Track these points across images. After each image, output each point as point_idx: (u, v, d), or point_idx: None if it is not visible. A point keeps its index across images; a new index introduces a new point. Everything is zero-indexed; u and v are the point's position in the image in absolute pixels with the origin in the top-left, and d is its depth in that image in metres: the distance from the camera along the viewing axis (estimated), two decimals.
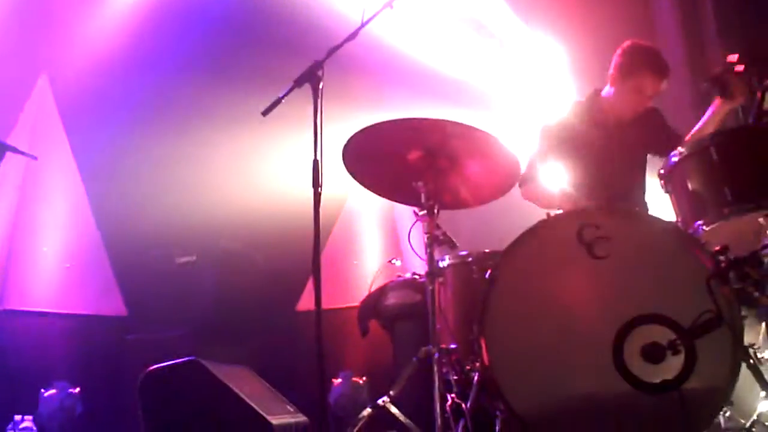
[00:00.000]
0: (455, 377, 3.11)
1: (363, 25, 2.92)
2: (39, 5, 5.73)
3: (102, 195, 5.67)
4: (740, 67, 3.23)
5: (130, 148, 5.56)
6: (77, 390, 4.93)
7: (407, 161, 2.92)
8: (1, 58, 5.48)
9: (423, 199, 2.92)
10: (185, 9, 5.86)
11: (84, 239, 5.65)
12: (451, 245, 3.07)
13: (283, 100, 2.92)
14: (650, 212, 3.57)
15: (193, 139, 5.56)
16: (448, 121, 2.76)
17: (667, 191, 3.07)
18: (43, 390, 4.88)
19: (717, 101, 3.42)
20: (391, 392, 3.04)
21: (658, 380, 2.48)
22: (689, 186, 2.93)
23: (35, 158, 4.22)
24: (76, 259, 5.60)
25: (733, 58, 3.25)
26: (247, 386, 3.82)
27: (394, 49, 5.70)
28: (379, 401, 3.04)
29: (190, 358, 3.75)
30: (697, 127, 3.53)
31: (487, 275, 2.78)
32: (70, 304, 5.50)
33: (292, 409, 3.87)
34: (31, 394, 4.87)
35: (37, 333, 5.26)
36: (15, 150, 3.96)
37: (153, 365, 3.78)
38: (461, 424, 2.87)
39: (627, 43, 3.64)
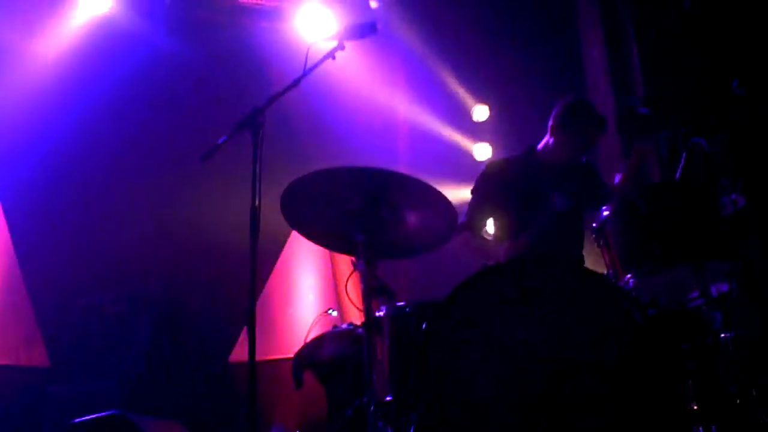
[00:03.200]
0: (390, 431, 3.06)
1: (305, 74, 2.95)
2: None
3: (27, 238, 5.43)
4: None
5: (60, 189, 5.38)
6: None
7: (347, 209, 2.91)
8: None
9: (361, 249, 2.90)
10: (126, 46, 5.78)
11: (6, 285, 5.39)
12: (389, 295, 3.05)
13: (222, 145, 2.91)
14: (584, 265, 3.65)
15: (128, 180, 5.44)
16: (388, 170, 2.78)
17: (599, 245, 3.15)
18: None
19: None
20: None
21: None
22: (620, 239, 3.02)
23: None
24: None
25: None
26: None
27: (340, 94, 5.75)
28: None
29: (114, 411, 3.61)
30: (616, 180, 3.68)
31: (423, 327, 2.78)
32: None
33: None
34: None
35: None
36: None
37: (76, 419, 3.63)
38: None
39: (567, 97, 3.79)
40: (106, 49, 5.75)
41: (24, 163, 5.41)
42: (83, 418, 3.69)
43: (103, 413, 3.65)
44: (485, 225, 3.82)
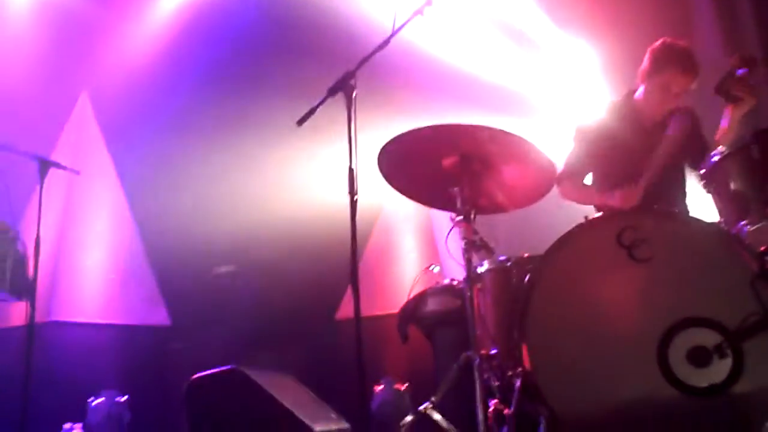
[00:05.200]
0: (497, 383, 3.08)
1: (393, 33, 2.92)
2: (76, 27, 5.88)
3: (144, 207, 5.78)
4: (742, 71, 3.18)
5: (170, 161, 5.67)
6: (125, 398, 5.03)
7: (442, 167, 2.91)
8: (42, 79, 5.67)
9: (459, 205, 2.90)
10: (218, 21, 5.97)
11: (127, 251, 5.76)
12: (489, 250, 3.05)
13: (317, 110, 2.95)
14: (690, 213, 3.51)
15: (230, 149, 5.64)
16: (482, 126, 2.75)
17: (708, 191, 3.01)
18: (91, 399, 4.98)
19: (727, 108, 3.36)
20: (433, 398, 3.03)
21: (705, 384, 2.45)
22: (731, 186, 2.88)
23: (78, 173, 4.30)
24: (120, 271, 5.72)
25: (735, 62, 3.20)
26: (289, 394, 3.85)
27: (427, 54, 5.68)
28: (422, 407, 3.03)
29: (231, 366, 3.79)
30: (717, 136, 3.46)
31: (526, 280, 2.77)
32: (116, 314, 5.61)
33: (334, 416, 3.88)
34: (79, 402, 4.97)
35: (85, 343, 5.38)
36: (58, 165, 4.04)
37: (196, 373, 3.84)
38: (504, 430, 2.85)
39: (659, 41, 3.60)
40: (199, 26, 5.95)
41: (139, 139, 5.74)
42: (202, 373, 3.91)
43: (221, 368, 3.85)
44: (585, 175, 3.72)
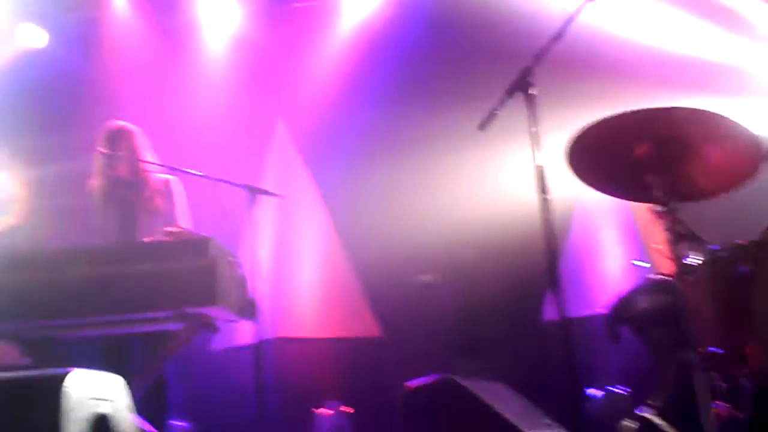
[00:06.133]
0: (724, 384, 2.81)
1: (567, 23, 2.79)
2: (266, 62, 6.39)
3: (347, 223, 6.04)
4: None
5: (365, 176, 5.88)
6: (348, 410, 5.24)
7: (636, 156, 2.72)
8: (243, 113, 6.21)
9: (658, 195, 2.69)
10: (389, 37, 6.18)
11: (336, 267, 6.05)
12: (697, 240, 2.80)
13: (498, 112, 2.90)
14: None
15: (419, 159, 5.75)
16: (675, 107, 2.53)
17: None
18: (316, 410, 5.26)
19: None
20: (651, 401, 2.84)
21: None
22: None
23: (283, 197, 4.57)
24: (331, 287, 6.01)
25: None
26: (502, 401, 3.81)
27: (605, 39, 5.39)
28: (640, 411, 2.85)
29: (444, 375, 3.82)
30: None
31: (743, 270, 2.50)
32: (331, 329, 5.90)
33: (550, 423, 3.78)
34: (306, 413, 5.27)
35: (307, 357, 5.72)
36: (266, 192, 4.32)
37: (409, 383, 3.91)
38: None
39: None
40: (373, 44, 6.24)
41: (334, 158, 6.03)
42: (417, 383, 3.97)
43: (434, 377, 3.89)
44: None
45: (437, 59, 5.96)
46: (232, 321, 3.73)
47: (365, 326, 5.84)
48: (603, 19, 5.41)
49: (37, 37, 6.69)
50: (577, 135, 2.77)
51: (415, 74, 5.97)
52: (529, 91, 2.79)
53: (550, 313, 5.45)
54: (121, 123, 4.30)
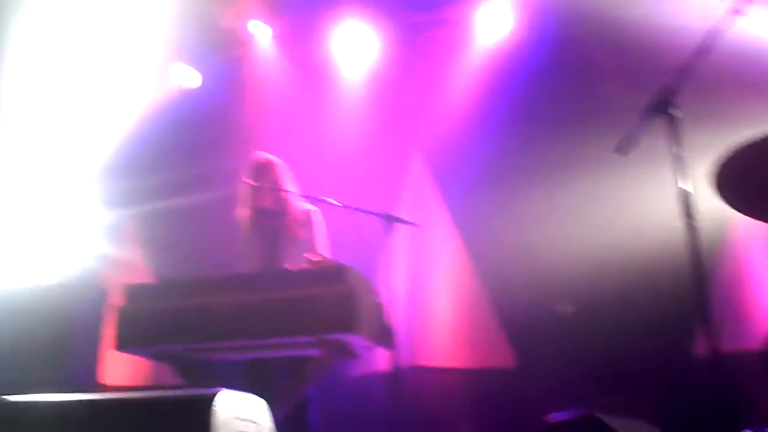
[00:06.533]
0: None
1: (712, 37, 2.65)
2: (399, 95, 6.54)
3: (482, 252, 5.99)
4: None
5: (500, 204, 5.83)
6: None
7: None
8: (384, 144, 6.38)
9: None
10: (521, 59, 6.18)
11: (470, 296, 6.00)
12: None
13: (640, 135, 2.80)
14: None
15: (554, 186, 5.63)
16: None
17: None
18: None
19: None
20: None
21: None
22: None
23: (419, 226, 4.61)
24: (466, 316, 5.96)
25: None
26: None
27: (757, 52, 5.07)
28: None
29: (586, 410, 3.69)
30: None
31: None
32: (467, 358, 5.84)
33: None
34: None
35: (442, 387, 5.69)
36: (401, 221, 4.37)
37: (549, 417, 3.80)
38: None
39: None
40: (505, 70, 6.24)
41: (469, 187, 6.02)
42: (557, 417, 3.85)
43: (575, 412, 3.75)
44: None
45: (570, 80, 5.85)
46: (369, 348, 3.78)
47: (502, 356, 5.74)
48: (755, 30, 5.10)
49: (189, 76, 7.20)
50: (725, 157, 2.62)
51: (548, 97, 5.88)
52: (671, 112, 2.68)
53: (700, 346, 5.13)
54: (266, 155, 4.51)
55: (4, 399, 2.35)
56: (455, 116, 6.25)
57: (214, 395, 2.19)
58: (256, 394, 2.75)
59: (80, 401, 2.35)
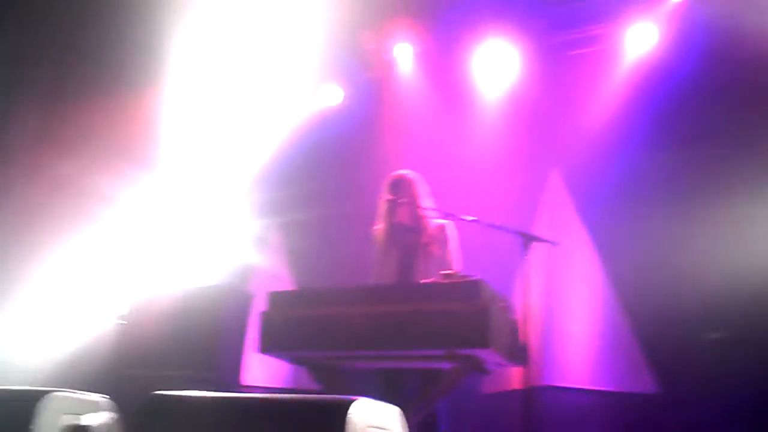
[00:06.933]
0: None
1: None
2: (538, 111, 6.47)
3: (621, 273, 5.78)
4: None
5: (641, 224, 5.59)
6: None
7: None
8: (518, 162, 6.36)
9: None
10: (665, 77, 5.98)
11: (609, 317, 5.80)
12: None
13: None
14: None
15: (702, 206, 5.33)
16: None
17: None
18: None
19: None
20: None
21: None
22: None
23: (557, 244, 4.54)
24: (604, 337, 5.77)
25: None
26: None
27: None
28: None
29: None
30: None
31: None
32: (603, 381, 5.65)
33: None
34: None
35: (576, 408, 5.53)
36: (539, 239, 4.33)
37: None
38: None
39: None
40: (648, 89, 6.09)
41: (610, 206, 5.85)
42: None
43: None
44: None
45: (718, 98, 5.54)
46: (502, 365, 3.77)
47: (642, 381, 5.49)
48: None
49: (335, 95, 7.48)
50: None
51: (695, 115, 5.61)
52: None
53: None
54: (404, 172, 4.60)
55: (160, 393, 2.52)
56: (594, 134, 6.11)
57: (350, 402, 2.26)
58: (389, 403, 2.81)
59: (225, 399, 2.48)
